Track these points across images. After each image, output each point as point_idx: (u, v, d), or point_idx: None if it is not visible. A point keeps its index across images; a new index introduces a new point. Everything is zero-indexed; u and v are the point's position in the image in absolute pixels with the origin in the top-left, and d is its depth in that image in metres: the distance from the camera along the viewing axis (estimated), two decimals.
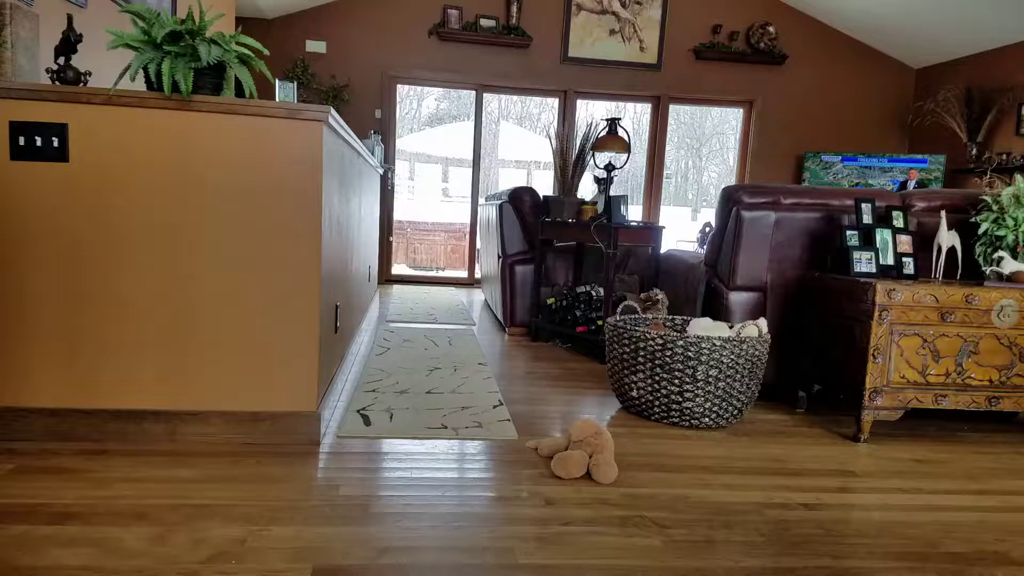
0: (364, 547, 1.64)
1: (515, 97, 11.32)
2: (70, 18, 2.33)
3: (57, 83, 2.26)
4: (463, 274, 7.93)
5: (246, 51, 2.18)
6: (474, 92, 7.30)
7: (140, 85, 2.16)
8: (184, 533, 1.66)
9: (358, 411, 2.68)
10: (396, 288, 6.94)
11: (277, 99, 3.83)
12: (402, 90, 7.35)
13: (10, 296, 2.14)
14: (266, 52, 2.25)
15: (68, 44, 2.28)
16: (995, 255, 2.80)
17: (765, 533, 1.83)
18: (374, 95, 7.05)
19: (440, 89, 10.13)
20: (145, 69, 2.08)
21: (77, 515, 1.73)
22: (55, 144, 2.11)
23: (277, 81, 3.51)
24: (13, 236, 2.12)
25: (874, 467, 2.40)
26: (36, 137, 2.10)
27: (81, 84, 2.30)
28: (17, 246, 2.13)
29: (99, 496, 1.84)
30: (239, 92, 2.27)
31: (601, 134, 4.08)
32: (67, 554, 1.54)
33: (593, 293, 4.17)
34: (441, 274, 8.54)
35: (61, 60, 2.28)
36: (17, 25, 2.27)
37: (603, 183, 4.08)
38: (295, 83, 3.93)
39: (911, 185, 6.77)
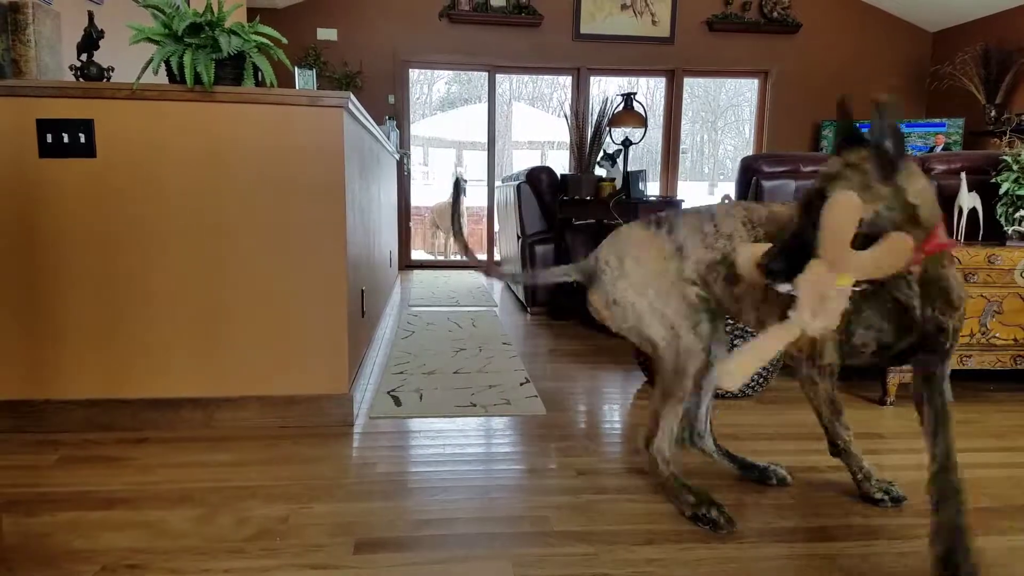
0: (404, 520, 1.69)
1: (527, 77, 11.27)
2: (91, 15, 2.37)
3: (81, 79, 2.30)
4: (482, 257, 7.96)
5: (265, 40, 2.21)
6: (486, 73, 7.28)
7: (163, 78, 2.19)
8: (228, 513, 1.72)
9: (388, 392, 2.72)
10: (416, 273, 6.99)
11: (297, 87, 3.85)
12: (412, 75, 7.34)
13: (46, 292, 2.20)
14: (284, 41, 2.28)
15: (90, 40, 2.32)
16: (1016, 214, 2.78)
17: (795, 495, 1.85)
18: (387, 81, 7.05)
19: (450, 73, 10.11)
20: (167, 62, 2.11)
21: (124, 500, 1.78)
22: (82, 140, 2.15)
23: (296, 69, 3.54)
24: (46, 233, 2.17)
25: (901, 428, 2.41)
26: (63, 134, 2.14)
27: (105, 80, 2.34)
28: (51, 243, 2.18)
29: (143, 481, 1.90)
30: (257, 82, 2.30)
31: (617, 110, 4.07)
32: (118, 536, 1.60)
33: None
34: (460, 258, 8.56)
35: (84, 57, 2.32)
36: (40, 23, 2.31)
37: (616, 156, 4.07)
38: (314, 71, 3.95)
39: (937, 151, 6.68)
